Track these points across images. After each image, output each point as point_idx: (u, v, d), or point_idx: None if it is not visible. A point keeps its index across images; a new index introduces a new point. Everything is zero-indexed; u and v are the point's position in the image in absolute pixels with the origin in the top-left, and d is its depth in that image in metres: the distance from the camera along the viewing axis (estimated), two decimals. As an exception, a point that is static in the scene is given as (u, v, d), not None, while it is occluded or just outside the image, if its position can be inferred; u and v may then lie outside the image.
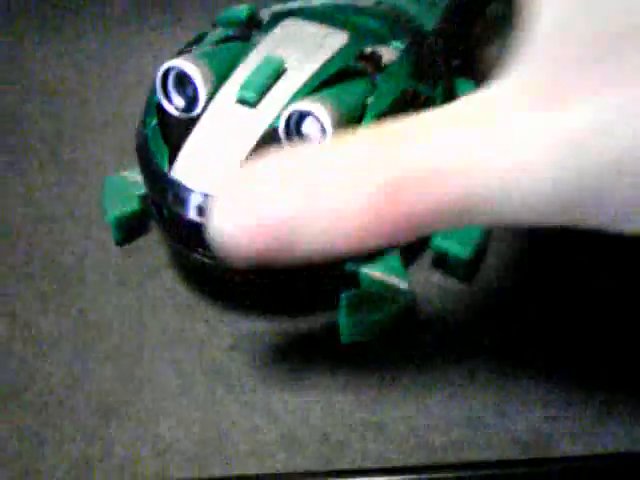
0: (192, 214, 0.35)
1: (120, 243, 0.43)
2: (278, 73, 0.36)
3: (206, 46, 0.40)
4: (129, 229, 0.43)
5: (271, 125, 0.35)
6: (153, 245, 0.43)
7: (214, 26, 0.43)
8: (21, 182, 0.49)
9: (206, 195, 0.34)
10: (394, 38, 0.40)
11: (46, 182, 0.48)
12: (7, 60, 0.60)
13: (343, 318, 0.36)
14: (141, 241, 0.44)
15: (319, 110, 0.33)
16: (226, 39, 0.40)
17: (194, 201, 0.35)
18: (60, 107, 0.55)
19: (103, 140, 0.51)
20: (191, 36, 0.59)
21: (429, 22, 0.45)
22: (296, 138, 0.35)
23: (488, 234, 0.41)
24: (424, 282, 0.41)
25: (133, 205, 0.42)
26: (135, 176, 0.43)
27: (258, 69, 0.36)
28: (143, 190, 0.41)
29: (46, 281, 0.42)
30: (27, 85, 0.57)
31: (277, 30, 0.39)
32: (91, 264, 0.43)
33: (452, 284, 0.40)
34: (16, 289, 0.42)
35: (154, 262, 0.43)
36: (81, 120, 0.53)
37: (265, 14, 0.42)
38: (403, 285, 0.37)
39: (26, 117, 0.54)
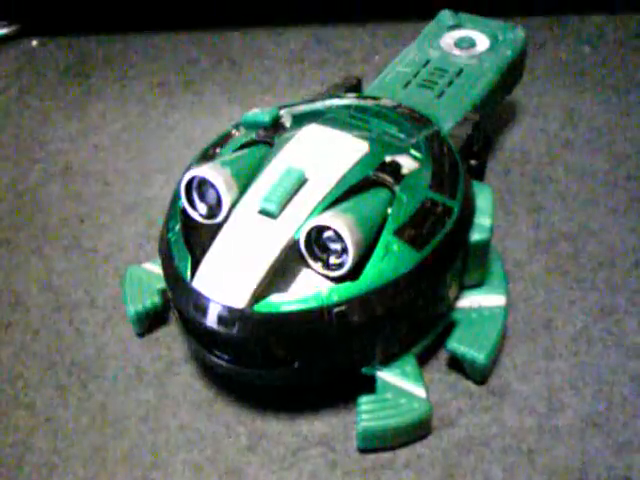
0: (211, 322, 0.36)
1: (140, 335, 0.44)
2: (299, 184, 0.37)
3: (230, 150, 0.41)
4: (149, 322, 0.44)
5: (292, 237, 0.36)
6: (172, 337, 0.44)
7: (237, 126, 0.44)
8: (43, 267, 0.49)
9: (225, 306, 0.35)
10: (412, 144, 0.41)
11: (68, 268, 0.49)
12: (31, 139, 0.62)
13: (360, 425, 0.36)
14: (160, 332, 0.45)
15: (339, 226, 0.34)
16: (249, 143, 0.41)
17: (213, 310, 0.35)
18: (82, 189, 0.56)
19: (125, 226, 0.52)
20: (213, 117, 0.62)
21: (447, 123, 0.46)
22: (317, 250, 0.35)
23: (503, 337, 0.41)
24: (439, 382, 0.41)
25: (154, 299, 0.43)
26: (156, 267, 0.44)
27: (280, 181, 0.37)
28: (163, 284, 0.41)
29: (67, 372, 0.43)
30: (50, 166, 0.59)
31: (299, 137, 0.40)
32: (111, 356, 0.43)
33: (467, 384, 0.41)
34: (38, 380, 0.42)
35: (173, 355, 0.43)
36: (103, 204, 0.55)
37: (286, 116, 0.43)
38: (419, 392, 0.37)
39: (49, 199, 0.55)
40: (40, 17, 0.76)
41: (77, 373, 0.43)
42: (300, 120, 0.43)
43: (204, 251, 0.37)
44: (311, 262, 0.35)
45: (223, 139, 0.43)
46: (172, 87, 0.67)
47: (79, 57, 0.72)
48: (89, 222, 0.53)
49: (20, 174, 0.58)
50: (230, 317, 0.35)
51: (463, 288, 0.42)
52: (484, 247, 0.40)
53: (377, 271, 0.35)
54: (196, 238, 0.38)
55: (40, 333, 0.45)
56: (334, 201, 0.37)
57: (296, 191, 0.37)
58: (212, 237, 0.37)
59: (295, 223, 0.36)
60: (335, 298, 0.35)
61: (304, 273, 0.36)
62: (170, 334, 0.44)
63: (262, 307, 0.35)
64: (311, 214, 0.36)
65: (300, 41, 0.72)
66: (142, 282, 0.44)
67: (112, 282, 0.48)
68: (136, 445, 0.39)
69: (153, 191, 0.55)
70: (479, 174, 0.45)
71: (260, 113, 0.43)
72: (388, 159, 0.39)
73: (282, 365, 0.37)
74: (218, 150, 0.42)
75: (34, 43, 0.75)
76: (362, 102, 0.45)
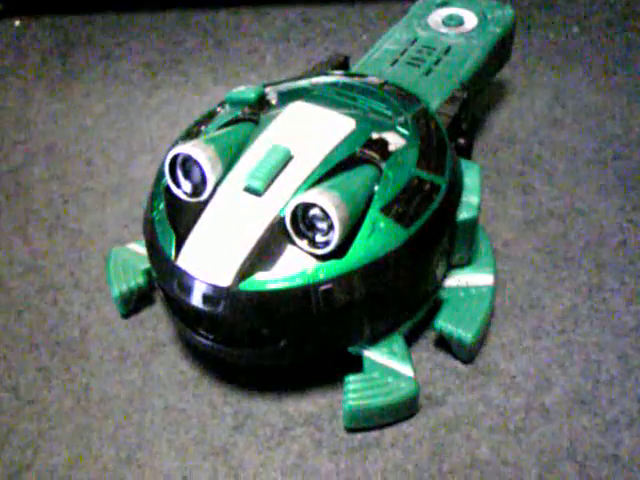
0: (196, 301, 0.35)
1: (125, 316, 0.44)
2: (285, 162, 0.37)
3: (215, 127, 0.41)
4: (134, 303, 0.43)
5: (278, 214, 0.35)
6: (157, 318, 0.44)
7: (223, 104, 0.43)
8: (27, 249, 0.49)
9: (210, 285, 0.35)
10: (400, 122, 0.41)
11: (52, 249, 0.49)
12: (14, 120, 0.61)
13: (347, 404, 0.36)
14: (145, 313, 0.44)
15: (325, 203, 0.33)
16: (235, 120, 0.41)
17: (198, 289, 0.35)
18: (66, 170, 0.55)
19: (109, 206, 0.52)
20: (198, 96, 0.61)
21: (435, 101, 0.45)
22: (302, 227, 0.35)
23: (490, 316, 0.41)
24: (427, 361, 0.41)
25: (138, 280, 0.42)
26: (140, 248, 0.43)
27: (266, 158, 0.36)
28: (148, 265, 0.41)
29: (50, 354, 0.42)
30: (33, 146, 0.58)
31: (285, 114, 0.40)
32: (95, 337, 0.43)
33: (455, 364, 0.40)
34: (21, 362, 0.42)
35: (158, 336, 0.43)
36: (87, 184, 0.54)
37: (272, 93, 0.43)
38: (407, 371, 0.37)
39: (32, 180, 0.55)
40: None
41: (61, 354, 0.42)
42: (286, 97, 0.42)
43: (189, 230, 0.36)
44: (297, 240, 0.35)
45: (208, 117, 0.43)
46: (157, 67, 0.66)
47: (62, 37, 0.71)
48: (73, 203, 0.52)
49: (3, 155, 0.57)
50: (215, 296, 0.35)
51: (451, 267, 0.41)
52: (472, 225, 0.39)
53: (364, 249, 0.35)
54: (180, 217, 0.38)
55: (23, 314, 0.45)
56: (320, 178, 0.36)
57: (282, 168, 0.37)
58: (197, 215, 0.37)
59: (281, 200, 0.36)
60: (321, 276, 0.34)
61: (290, 251, 0.35)
62: (155, 315, 0.44)
63: (247, 285, 0.34)
64: (297, 191, 0.36)
65: (287, 20, 0.71)
66: (126, 263, 0.43)
67: (96, 263, 0.47)
68: (121, 426, 0.39)
69: (138, 171, 0.54)
70: (467, 152, 0.45)
71: (245, 90, 0.42)
72: (375, 136, 0.39)
73: (268, 344, 0.36)
74: (202, 128, 0.42)
75: (17, 23, 0.74)
76: (349, 79, 0.45)
